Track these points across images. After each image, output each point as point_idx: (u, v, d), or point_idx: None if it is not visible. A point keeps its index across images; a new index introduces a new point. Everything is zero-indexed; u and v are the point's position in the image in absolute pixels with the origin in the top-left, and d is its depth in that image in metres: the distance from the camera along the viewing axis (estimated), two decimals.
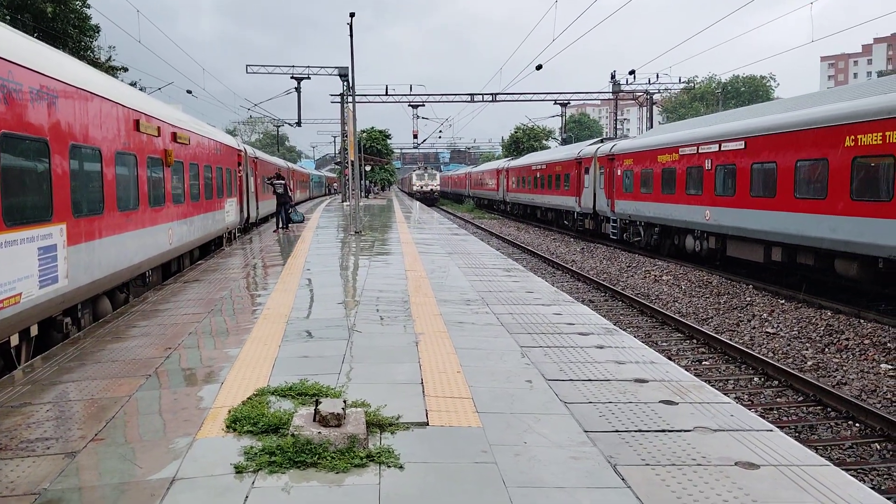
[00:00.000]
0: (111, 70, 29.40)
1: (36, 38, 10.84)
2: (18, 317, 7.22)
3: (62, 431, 4.96)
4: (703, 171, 19.98)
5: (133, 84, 29.96)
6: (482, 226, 40.00)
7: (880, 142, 12.90)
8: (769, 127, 16.88)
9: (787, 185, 15.87)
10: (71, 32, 26.02)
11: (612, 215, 27.43)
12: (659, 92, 53.08)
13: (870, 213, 13.16)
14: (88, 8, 27.26)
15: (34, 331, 7.89)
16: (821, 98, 16.81)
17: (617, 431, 4.93)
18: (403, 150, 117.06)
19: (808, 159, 15.08)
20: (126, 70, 31.46)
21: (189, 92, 45.43)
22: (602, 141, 33.03)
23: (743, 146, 17.90)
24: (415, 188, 73.34)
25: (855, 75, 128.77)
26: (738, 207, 17.90)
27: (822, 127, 14.68)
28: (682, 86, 57.45)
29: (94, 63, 26.64)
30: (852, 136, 13.64)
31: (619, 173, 26.67)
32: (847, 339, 11.97)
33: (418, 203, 55.88)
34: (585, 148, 32.38)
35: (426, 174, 74.10)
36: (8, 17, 23.91)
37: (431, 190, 72.57)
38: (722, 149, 18.95)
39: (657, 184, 23.04)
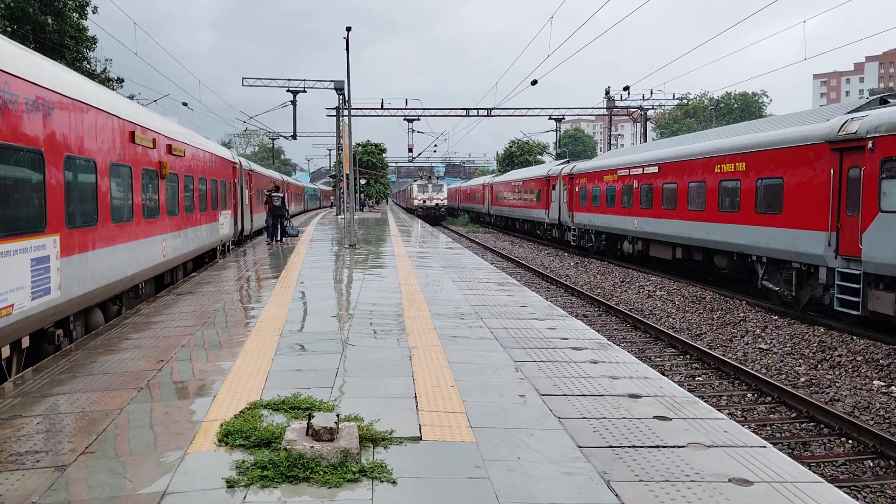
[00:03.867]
0: (107, 82, 29.38)
1: (34, 49, 10.85)
2: (10, 328, 7.18)
3: (52, 444, 4.92)
4: (633, 189, 24.72)
5: (131, 97, 29.95)
6: (476, 240, 40.06)
7: (733, 170, 17.95)
8: (674, 156, 21.74)
9: (683, 201, 20.79)
10: (68, 43, 26.04)
11: (572, 225, 32.21)
12: (653, 108, 53.47)
13: (728, 221, 18.12)
14: (85, 19, 27.30)
15: (25, 342, 7.85)
16: (714, 134, 21.71)
17: (611, 447, 4.92)
18: (398, 164, 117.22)
19: (695, 181, 20.10)
20: (122, 82, 31.42)
21: (185, 104, 45.65)
22: (567, 162, 37.32)
23: (657, 170, 22.75)
24: (416, 202, 60.38)
25: (847, 93, 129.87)
26: (655, 217, 22.76)
27: (703, 157, 19.72)
28: (675, 102, 57.90)
29: (91, 75, 26.65)
30: (719, 166, 18.69)
31: (577, 190, 31.48)
32: (840, 356, 11.99)
33: (419, 221, 46.64)
34: (553, 167, 36.73)
35: (430, 185, 60.93)
36: (8, 29, 23.91)
37: (437, 205, 59.68)
38: (645, 171, 23.74)
39: (603, 199, 27.87)
